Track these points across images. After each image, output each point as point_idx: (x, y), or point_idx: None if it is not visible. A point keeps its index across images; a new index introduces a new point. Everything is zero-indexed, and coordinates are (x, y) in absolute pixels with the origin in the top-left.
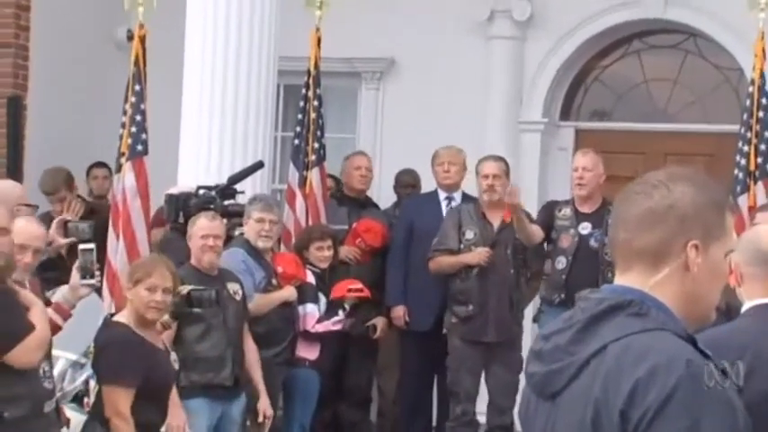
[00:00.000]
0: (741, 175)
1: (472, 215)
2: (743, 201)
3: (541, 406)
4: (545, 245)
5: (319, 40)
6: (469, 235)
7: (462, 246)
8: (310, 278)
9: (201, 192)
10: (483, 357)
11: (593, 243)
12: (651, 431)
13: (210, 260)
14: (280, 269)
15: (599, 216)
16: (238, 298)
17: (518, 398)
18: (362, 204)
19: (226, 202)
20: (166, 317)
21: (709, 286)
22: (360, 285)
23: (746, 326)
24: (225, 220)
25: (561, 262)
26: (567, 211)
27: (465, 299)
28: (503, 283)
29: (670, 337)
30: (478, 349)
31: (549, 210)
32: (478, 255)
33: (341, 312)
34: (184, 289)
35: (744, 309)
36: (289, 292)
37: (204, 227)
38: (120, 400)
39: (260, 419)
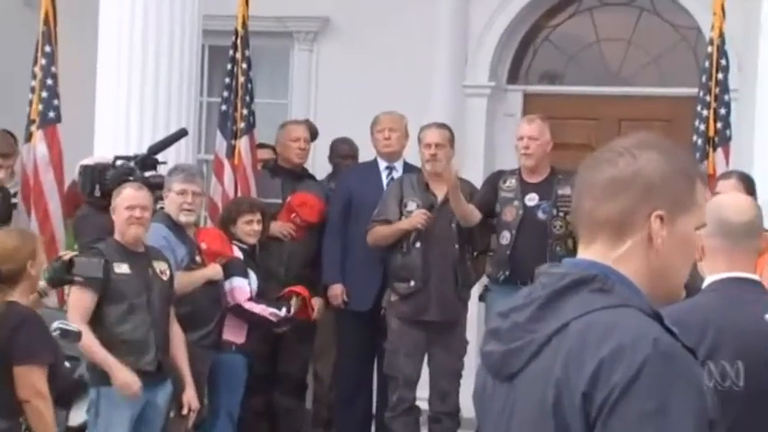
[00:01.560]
0: (700, 141)
1: (414, 186)
2: (702, 169)
3: (499, 388)
4: (493, 220)
5: None
6: (411, 206)
7: (403, 217)
8: (237, 254)
9: (119, 163)
10: (424, 339)
11: (540, 215)
12: (616, 413)
13: (136, 234)
14: (204, 245)
15: (547, 186)
16: (165, 278)
17: (462, 382)
18: (298, 176)
19: (146, 174)
20: (42, 284)
21: (676, 261)
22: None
23: (708, 301)
24: None
25: (505, 237)
26: (512, 181)
27: (406, 274)
28: (445, 257)
29: (635, 314)
30: (419, 329)
31: (494, 181)
32: (415, 218)
33: (284, 310)
34: (67, 254)
35: (705, 284)
36: (213, 270)
37: (129, 197)
38: (40, 379)
39: (184, 411)
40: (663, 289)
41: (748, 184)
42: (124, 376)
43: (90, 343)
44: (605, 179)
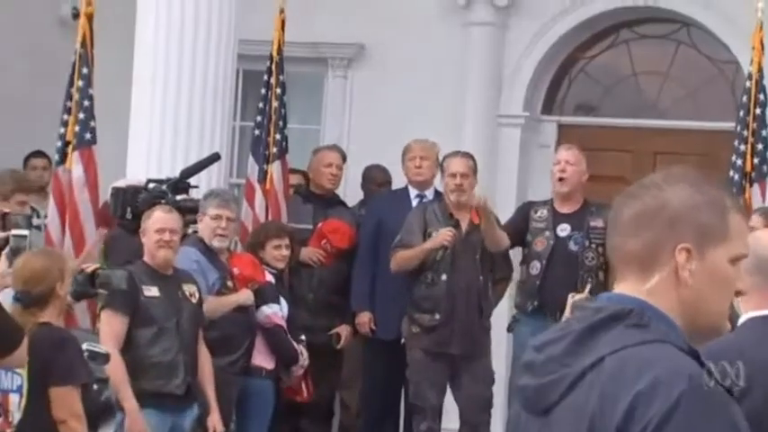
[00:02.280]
0: (737, 176)
1: (438, 215)
2: (739, 200)
3: (532, 422)
4: (521, 249)
5: (283, 23)
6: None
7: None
8: (269, 278)
9: (152, 186)
10: (447, 369)
11: (572, 246)
12: None
13: (166, 257)
14: (236, 270)
15: (579, 217)
16: (194, 300)
17: (492, 412)
18: (329, 202)
19: (178, 197)
20: (68, 298)
21: (710, 294)
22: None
23: (741, 339)
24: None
25: (535, 267)
26: (543, 212)
27: (431, 306)
28: (470, 289)
29: (671, 350)
30: (443, 361)
31: (525, 211)
32: (441, 236)
33: (307, 358)
34: (90, 267)
35: (740, 321)
36: (245, 296)
37: (160, 220)
38: (76, 400)
39: None
40: (700, 323)
41: None
42: (132, 421)
43: (116, 370)
44: (632, 214)
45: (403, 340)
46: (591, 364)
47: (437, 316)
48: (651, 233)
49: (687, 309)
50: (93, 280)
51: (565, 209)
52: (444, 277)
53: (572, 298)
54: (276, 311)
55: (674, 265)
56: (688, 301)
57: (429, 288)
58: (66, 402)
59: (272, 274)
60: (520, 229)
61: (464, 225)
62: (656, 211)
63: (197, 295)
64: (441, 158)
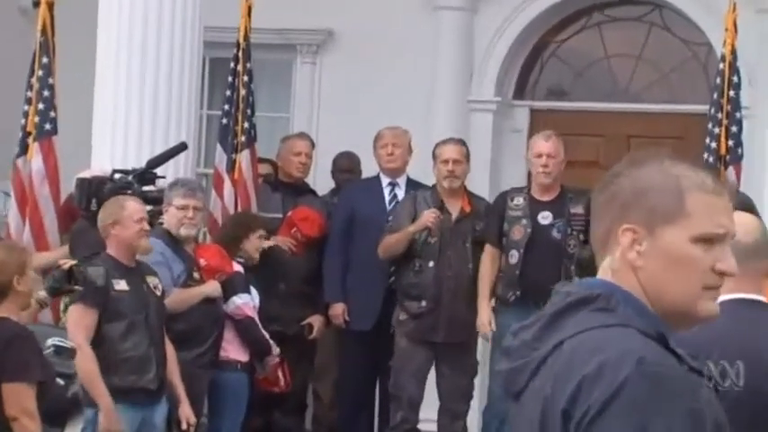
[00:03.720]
0: (711, 159)
1: (429, 203)
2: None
3: (512, 406)
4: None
5: (250, 9)
6: None
7: (417, 235)
8: (238, 269)
9: (117, 176)
10: (431, 360)
11: (555, 234)
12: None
13: (147, 246)
14: (202, 261)
15: (559, 205)
16: (158, 293)
17: (472, 403)
18: (299, 191)
19: (144, 188)
20: (42, 293)
21: (667, 276)
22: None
23: (714, 322)
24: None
25: (513, 256)
26: (519, 200)
27: (418, 293)
28: (459, 278)
29: (629, 334)
30: (427, 349)
31: (499, 206)
32: (424, 218)
33: (278, 350)
34: (66, 263)
35: None
36: (212, 287)
37: (139, 210)
38: (28, 398)
39: (183, 427)
40: (666, 307)
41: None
42: (108, 419)
43: (88, 366)
44: (599, 201)
45: (392, 329)
46: (552, 347)
47: (423, 303)
48: (608, 217)
49: (649, 291)
50: (71, 276)
51: (543, 196)
52: (432, 264)
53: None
54: (247, 302)
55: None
56: (647, 284)
57: (417, 275)
58: (18, 399)
59: (242, 264)
60: (501, 229)
61: (454, 212)
62: (614, 195)
63: (160, 287)
64: (412, 145)
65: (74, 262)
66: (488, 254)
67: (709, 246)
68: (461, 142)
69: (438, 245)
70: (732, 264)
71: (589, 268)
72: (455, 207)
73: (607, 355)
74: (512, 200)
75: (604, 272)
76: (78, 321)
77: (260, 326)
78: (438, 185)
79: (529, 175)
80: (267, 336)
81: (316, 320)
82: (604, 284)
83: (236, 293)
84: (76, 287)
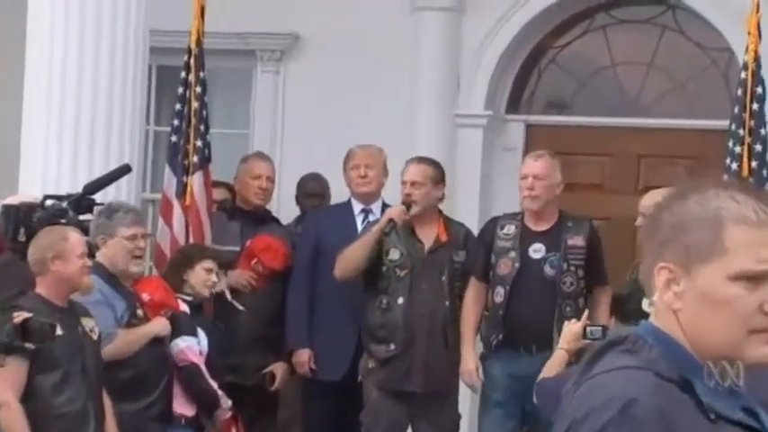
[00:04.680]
0: None
1: (399, 231)
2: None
3: None
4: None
5: (203, 10)
6: (394, 255)
7: (384, 268)
8: (183, 307)
9: (49, 203)
10: (407, 412)
11: (548, 270)
12: None
13: (89, 284)
14: (145, 296)
15: (555, 235)
16: (95, 337)
17: None
18: (259, 220)
19: (81, 217)
20: None
21: (705, 317)
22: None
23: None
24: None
25: (499, 294)
26: (511, 228)
27: (386, 335)
28: (434, 316)
29: (640, 377)
30: (401, 402)
31: (489, 235)
32: (388, 212)
33: (230, 403)
34: (20, 316)
35: None
36: (161, 325)
37: (81, 242)
38: None
39: None
40: (707, 350)
41: None
42: None
43: (16, 425)
44: (642, 237)
45: (360, 377)
46: (574, 389)
47: (392, 346)
48: (650, 255)
49: (689, 335)
50: (24, 331)
51: (537, 226)
52: (401, 301)
53: (566, 326)
54: (191, 345)
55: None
56: (687, 328)
57: (383, 314)
58: None
59: (188, 302)
60: (489, 260)
61: (428, 242)
62: (655, 230)
63: (96, 331)
64: (389, 166)
65: (28, 315)
66: (473, 289)
67: (754, 284)
68: (428, 162)
69: (409, 279)
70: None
71: (625, 306)
72: (429, 235)
73: (598, 398)
74: (502, 228)
75: (652, 313)
76: (5, 373)
77: (206, 374)
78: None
79: None
80: (215, 386)
81: (278, 369)
82: (644, 326)
83: (179, 335)
84: (27, 345)
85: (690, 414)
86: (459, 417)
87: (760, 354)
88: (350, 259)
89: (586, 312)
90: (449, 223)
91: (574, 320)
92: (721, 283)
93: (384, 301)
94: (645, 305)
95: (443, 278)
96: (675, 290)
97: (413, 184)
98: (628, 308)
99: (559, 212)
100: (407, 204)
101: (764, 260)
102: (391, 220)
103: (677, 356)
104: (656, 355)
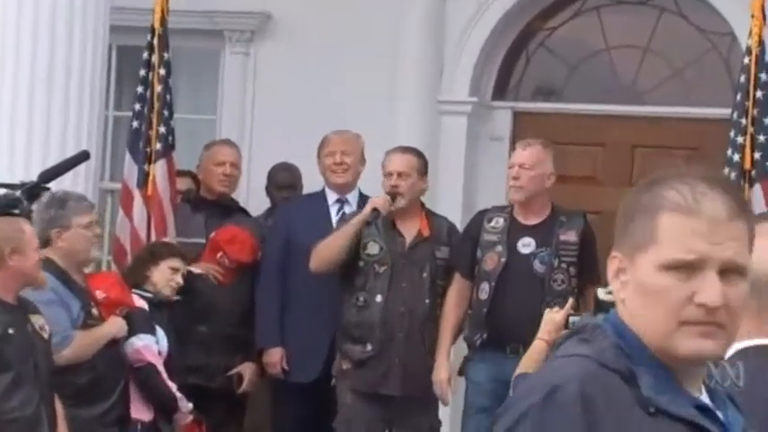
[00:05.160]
0: (733, 174)
1: (378, 225)
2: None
3: None
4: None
5: None
6: (373, 249)
7: (362, 263)
8: (141, 303)
9: (2, 192)
10: (383, 417)
11: (537, 266)
12: None
13: (43, 279)
14: (100, 294)
15: (547, 230)
16: (45, 336)
17: None
18: (226, 210)
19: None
20: None
21: (639, 309)
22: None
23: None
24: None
25: (484, 290)
26: (499, 221)
27: (362, 335)
28: (413, 315)
29: (576, 365)
30: (377, 406)
31: (475, 230)
32: (371, 201)
33: (190, 405)
34: None
35: (728, 354)
36: (118, 325)
37: (35, 234)
38: None
39: None
40: (652, 345)
41: None
42: None
43: None
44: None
45: (333, 381)
46: None
47: (369, 347)
48: (614, 247)
49: (633, 324)
50: None
51: (528, 219)
52: (379, 299)
53: (548, 314)
54: (148, 345)
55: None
56: (630, 316)
57: (360, 312)
58: None
59: (147, 299)
60: (475, 255)
61: (409, 237)
62: (616, 221)
63: (47, 329)
64: (366, 154)
65: None
66: (456, 287)
67: (686, 274)
68: (414, 152)
69: (389, 275)
70: (714, 296)
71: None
72: (410, 229)
73: (525, 386)
74: (489, 221)
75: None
76: None
77: (164, 375)
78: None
79: None
80: (174, 388)
81: (246, 370)
82: (609, 316)
83: (135, 334)
84: None
85: (625, 405)
86: (439, 423)
87: (691, 347)
88: (327, 251)
89: (570, 301)
90: (431, 217)
91: (556, 309)
92: (653, 273)
93: (361, 299)
94: (600, 293)
95: (424, 275)
96: (623, 279)
97: (399, 174)
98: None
99: (552, 206)
100: (392, 195)
101: (693, 250)
102: (375, 209)
103: (629, 347)
104: (607, 344)
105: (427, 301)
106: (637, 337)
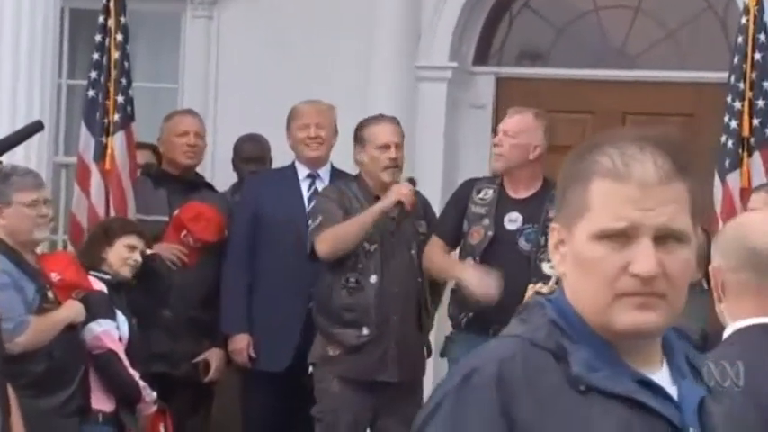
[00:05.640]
0: (731, 142)
1: (361, 199)
2: (734, 179)
3: None
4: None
5: None
6: None
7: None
8: (99, 286)
9: None
10: (372, 405)
11: (522, 244)
12: None
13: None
14: (54, 276)
15: (535, 205)
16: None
17: None
18: (190, 186)
19: None
20: None
21: (575, 281)
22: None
23: (730, 356)
24: None
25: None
26: (488, 192)
27: (357, 318)
28: (408, 295)
29: (500, 346)
30: (367, 394)
31: (463, 199)
32: (395, 192)
33: (154, 394)
34: None
35: (726, 333)
36: (75, 309)
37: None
38: None
39: None
40: (589, 320)
41: None
42: None
43: None
44: None
45: (310, 369)
46: None
47: (365, 331)
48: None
49: (572, 299)
50: None
51: (517, 192)
52: (374, 279)
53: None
54: (108, 330)
55: None
56: (569, 290)
57: (352, 294)
58: None
59: (105, 281)
60: (460, 227)
61: (392, 212)
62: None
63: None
64: (337, 126)
65: None
66: (434, 243)
67: (619, 244)
68: (396, 120)
69: (380, 253)
70: (648, 265)
71: None
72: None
73: (448, 372)
74: (478, 192)
75: None
76: None
77: (125, 362)
78: (368, 177)
79: None
80: (137, 376)
81: (213, 356)
82: (557, 292)
83: (94, 318)
84: None
85: (552, 384)
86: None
87: (628, 320)
88: (343, 239)
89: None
90: None
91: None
92: (587, 243)
93: (352, 280)
94: (545, 267)
95: (412, 252)
96: (562, 251)
97: (397, 146)
98: None
99: (544, 180)
100: (412, 181)
101: (622, 217)
102: (400, 202)
103: (568, 324)
104: (543, 322)
105: (419, 279)
106: (576, 313)
